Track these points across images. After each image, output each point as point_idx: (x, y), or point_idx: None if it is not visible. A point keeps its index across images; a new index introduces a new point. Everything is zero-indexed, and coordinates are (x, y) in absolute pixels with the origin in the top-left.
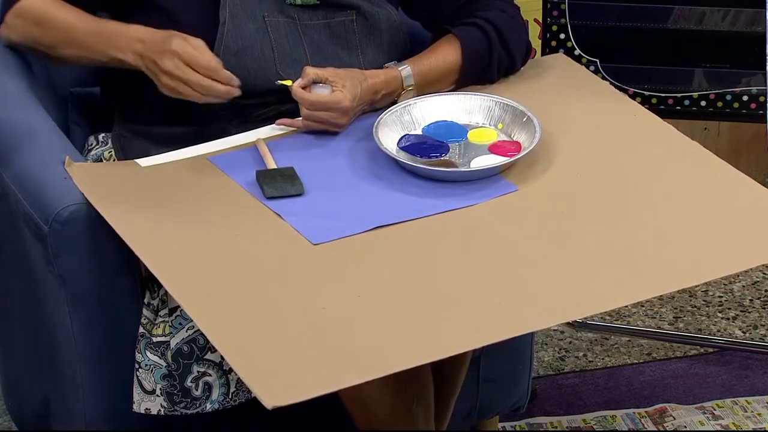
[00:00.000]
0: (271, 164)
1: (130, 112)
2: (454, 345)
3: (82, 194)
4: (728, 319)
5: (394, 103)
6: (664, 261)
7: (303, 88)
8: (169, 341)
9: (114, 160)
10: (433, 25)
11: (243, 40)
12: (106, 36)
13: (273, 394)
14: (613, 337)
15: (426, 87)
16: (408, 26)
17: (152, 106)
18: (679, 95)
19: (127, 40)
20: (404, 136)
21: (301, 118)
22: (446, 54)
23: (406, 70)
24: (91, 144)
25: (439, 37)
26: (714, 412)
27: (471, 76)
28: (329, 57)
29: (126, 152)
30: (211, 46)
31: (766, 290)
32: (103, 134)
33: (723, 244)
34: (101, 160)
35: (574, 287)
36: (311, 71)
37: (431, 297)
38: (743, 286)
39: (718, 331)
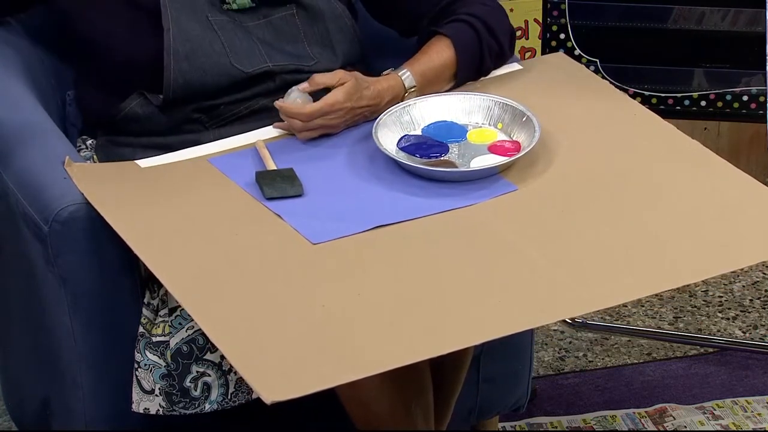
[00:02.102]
0: (271, 165)
1: (108, 123)
2: (452, 342)
3: (82, 194)
4: (728, 319)
5: None
6: (664, 259)
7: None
8: (168, 341)
9: None
10: (411, 33)
11: (191, 42)
12: None
13: (272, 390)
14: (613, 337)
15: (426, 87)
16: (369, 20)
17: (127, 119)
18: (679, 95)
19: None
20: (404, 136)
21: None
22: (440, 51)
23: (406, 74)
24: (80, 146)
25: (426, 39)
26: (714, 412)
27: (467, 70)
28: (278, 52)
29: (109, 160)
30: (159, 54)
31: (766, 290)
32: (91, 140)
33: (723, 242)
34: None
35: (574, 285)
36: (320, 79)
37: (430, 295)
38: (743, 286)
39: (718, 331)
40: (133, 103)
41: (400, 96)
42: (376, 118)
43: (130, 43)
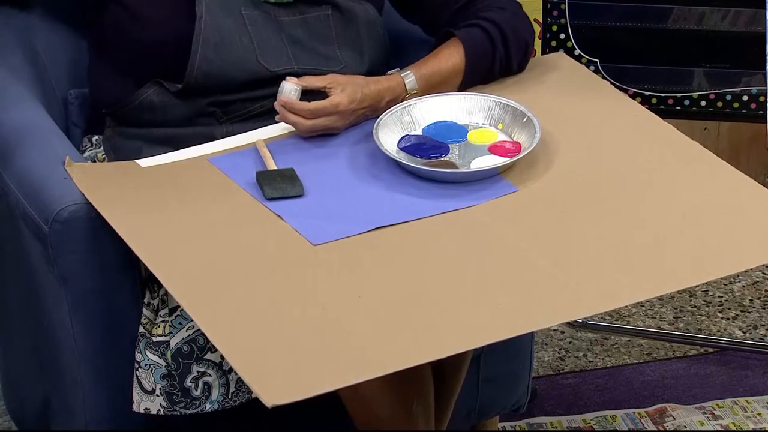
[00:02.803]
0: (272, 165)
1: (120, 114)
2: (453, 345)
3: (82, 194)
4: (728, 319)
5: None
6: (664, 261)
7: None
8: (168, 341)
9: (106, 161)
10: (434, 29)
11: (221, 33)
12: None
13: (273, 393)
14: (613, 337)
15: (429, 90)
16: (390, 25)
17: (141, 108)
18: (679, 95)
19: None
20: (404, 136)
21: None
22: (449, 57)
23: (409, 76)
24: (85, 145)
25: (443, 40)
26: (714, 412)
27: (475, 77)
28: (308, 51)
29: (117, 154)
30: (187, 40)
31: (766, 290)
32: (96, 136)
33: (723, 244)
34: (95, 162)
35: (574, 288)
36: (311, 79)
37: (431, 297)
38: (743, 286)
39: (718, 331)
40: (150, 91)
41: (400, 97)
42: (376, 118)
43: (160, 26)
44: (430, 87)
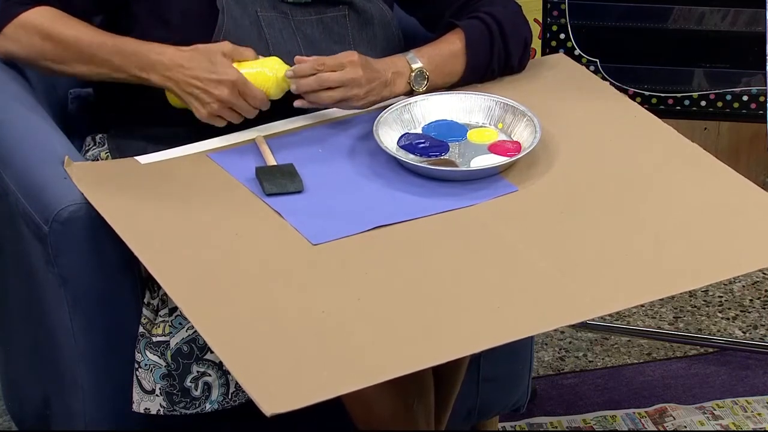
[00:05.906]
0: (271, 161)
1: (125, 113)
2: (453, 350)
3: (82, 194)
4: (728, 319)
5: (411, 92)
6: (664, 264)
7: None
8: (168, 341)
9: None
10: (432, 24)
11: (239, 31)
12: (127, 54)
13: (272, 401)
14: (613, 337)
15: (435, 70)
16: (403, 25)
17: (146, 106)
18: (679, 95)
19: (159, 63)
20: (404, 134)
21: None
22: (450, 41)
23: (409, 53)
24: (89, 144)
25: (443, 32)
26: (714, 412)
27: (475, 68)
28: (322, 51)
29: (122, 153)
30: (206, 41)
31: (766, 290)
32: (100, 135)
33: (722, 247)
34: (97, 161)
35: (574, 289)
36: (310, 59)
37: (430, 300)
38: (743, 286)
39: (718, 331)
40: (160, 89)
41: (405, 72)
42: (376, 114)
43: (180, 27)
44: (435, 66)
